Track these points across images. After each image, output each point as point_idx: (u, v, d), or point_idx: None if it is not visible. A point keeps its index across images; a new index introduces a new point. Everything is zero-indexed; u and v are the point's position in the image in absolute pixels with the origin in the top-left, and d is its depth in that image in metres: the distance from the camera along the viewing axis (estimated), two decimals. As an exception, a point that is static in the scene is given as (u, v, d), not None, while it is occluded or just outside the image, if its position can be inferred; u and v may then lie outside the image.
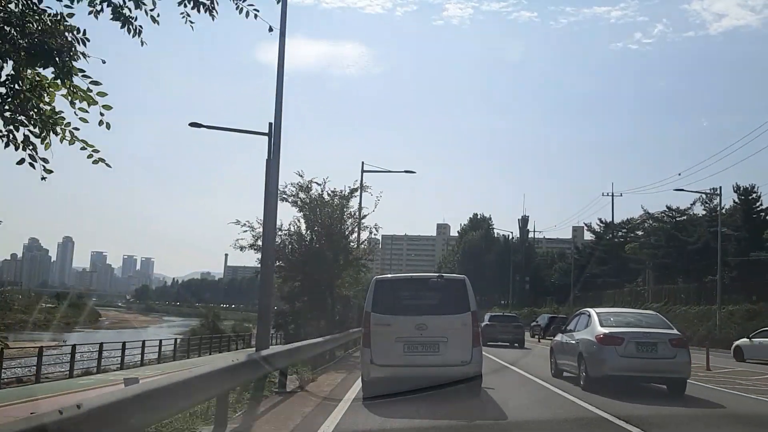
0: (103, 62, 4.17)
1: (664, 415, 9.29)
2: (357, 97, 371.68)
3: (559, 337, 14.61)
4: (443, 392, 9.28)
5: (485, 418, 8.57)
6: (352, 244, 22.50)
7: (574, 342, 12.81)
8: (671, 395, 11.21)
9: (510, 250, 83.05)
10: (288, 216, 26.67)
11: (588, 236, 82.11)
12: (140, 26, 4.35)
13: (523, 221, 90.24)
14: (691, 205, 53.27)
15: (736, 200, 45.82)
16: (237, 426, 7.41)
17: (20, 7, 3.82)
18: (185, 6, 4.61)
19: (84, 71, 4.06)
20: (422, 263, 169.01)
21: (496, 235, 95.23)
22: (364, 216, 22.69)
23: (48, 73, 4.05)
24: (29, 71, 4.03)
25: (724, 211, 42.38)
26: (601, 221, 67.16)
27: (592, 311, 13.01)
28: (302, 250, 20.88)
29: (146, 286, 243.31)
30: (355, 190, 21.70)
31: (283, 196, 20.60)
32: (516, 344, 29.05)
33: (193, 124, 14.79)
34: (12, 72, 3.93)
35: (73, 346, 20.16)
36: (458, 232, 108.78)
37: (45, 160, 4.22)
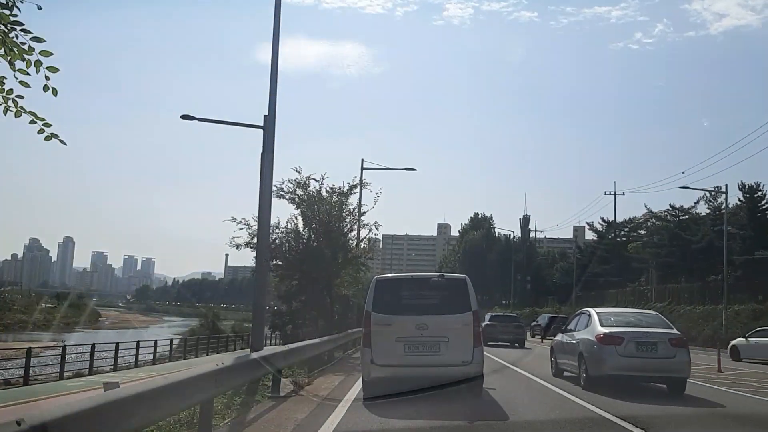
0: (39, 8, 3.56)
1: (664, 414, 9.26)
2: (357, 97, 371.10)
3: (559, 337, 14.59)
4: (444, 392, 9.21)
5: (487, 418, 8.49)
6: (351, 242, 21.96)
7: (574, 342, 12.79)
8: (671, 395, 11.19)
9: (511, 249, 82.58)
10: (285, 214, 26.15)
11: (589, 236, 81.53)
12: None
13: (525, 220, 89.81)
14: (695, 203, 52.79)
15: (741, 198, 45.26)
16: (222, 435, 6.92)
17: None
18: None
19: (23, 24, 3.49)
20: (423, 263, 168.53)
21: (497, 235, 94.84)
22: (364, 213, 22.08)
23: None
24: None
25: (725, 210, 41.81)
26: (603, 220, 66.68)
27: (593, 311, 12.99)
28: (300, 248, 20.33)
29: (147, 286, 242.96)
30: (355, 186, 21.12)
31: (281, 192, 20.12)
32: (516, 344, 28.97)
33: (185, 117, 14.28)
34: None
35: (64, 347, 19.59)
36: (459, 231, 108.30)
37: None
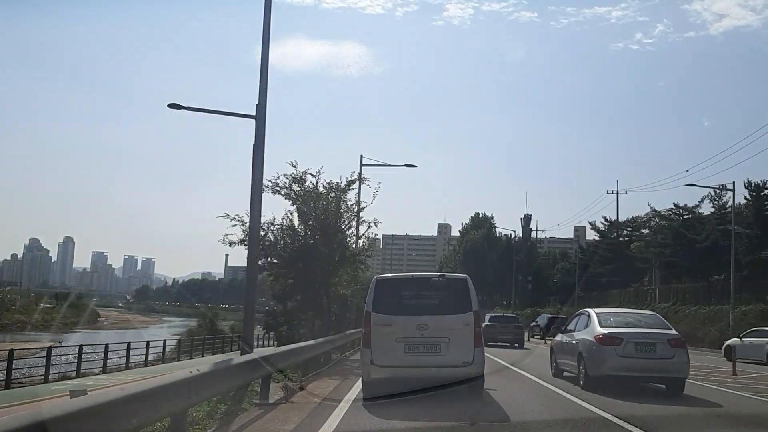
0: None
1: (663, 414, 9.25)
2: (357, 97, 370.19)
3: (559, 337, 14.66)
4: (445, 393, 9.16)
5: (488, 419, 8.40)
6: (349, 239, 21.22)
7: (574, 342, 12.86)
8: (670, 395, 11.24)
9: (512, 249, 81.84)
10: (281, 210, 25.29)
11: (590, 236, 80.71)
12: None
13: (526, 220, 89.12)
14: (699, 202, 51.97)
15: (747, 197, 44.40)
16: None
17: None
18: None
19: None
20: (423, 263, 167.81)
21: (498, 235, 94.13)
22: (362, 208, 21.25)
23: None
24: None
25: (732, 209, 41.04)
26: (606, 219, 65.86)
27: (592, 311, 13.06)
28: (295, 246, 19.55)
29: (147, 287, 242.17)
30: (353, 181, 20.29)
31: (276, 188, 19.39)
32: (516, 344, 29.18)
33: (172, 105, 13.52)
34: None
35: (49, 349, 18.82)
36: (459, 231, 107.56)
37: None
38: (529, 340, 37.40)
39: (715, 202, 49.32)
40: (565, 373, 13.58)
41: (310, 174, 19.55)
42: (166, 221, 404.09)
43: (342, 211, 19.99)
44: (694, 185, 38.87)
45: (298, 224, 19.84)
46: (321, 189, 19.57)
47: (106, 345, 22.07)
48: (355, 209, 20.78)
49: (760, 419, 9.51)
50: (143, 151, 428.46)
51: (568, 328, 14.00)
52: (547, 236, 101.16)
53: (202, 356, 30.79)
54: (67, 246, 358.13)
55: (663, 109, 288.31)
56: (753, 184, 43.36)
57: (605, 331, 11.72)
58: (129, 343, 24.28)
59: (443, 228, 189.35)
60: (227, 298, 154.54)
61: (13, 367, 16.71)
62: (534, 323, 44.94)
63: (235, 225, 18.50)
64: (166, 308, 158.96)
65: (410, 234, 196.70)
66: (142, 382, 5.17)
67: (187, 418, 6.06)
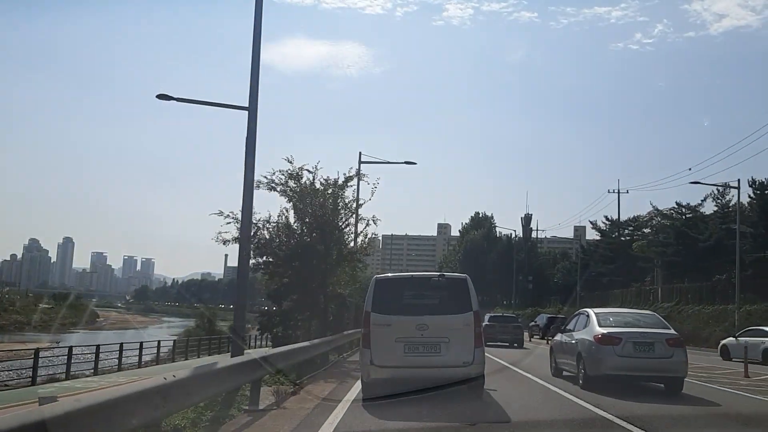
0: None
1: (662, 413, 9.22)
2: (357, 97, 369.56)
3: (558, 337, 14.71)
4: (445, 393, 9.10)
5: (488, 420, 8.27)
6: (347, 237, 20.64)
7: (573, 342, 12.90)
8: (668, 394, 11.27)
9: (513, 248, 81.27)
10: (277, 208, 24.69)
11: (590, 235, 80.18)
12: None
13: (526, 219, 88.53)
14: (702, 201, 51.37)
15: (751, 195, 43.80)
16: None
17: None
18: None
19: None
20: (423, 263, 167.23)
21: (498, 234, 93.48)
22: (361, 204, 20.61)
23: None
24: None
25: (737, 207, 40.46)
26: (607, 219, 65.27)
27: (591, 311, 13.10)
28: (291, 244, 18.96)
29: (146, 287, 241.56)
30: (351, 178, 19.65)
31: (272, 184, 18.81)
32: (515, 344, 29.21)
33: (161, 96, 12.97)
34: None
35: (36, 350, 18.19)
36: (459, 231, 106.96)
37: None
38: (530, 340, 36.96)
39: (718, 201, 48.79)
40: (564, 373, 13.63)
41: (307, 170, 18.99)
42: (165, 222, 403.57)
43: (339, 208, 19.38)
44: (699, 183, 38.32)
45: (294, 222, 19.27)
46: (318, 185, 18.99)
47: (97, 346, 21.43)
48: (353, 206, 20.15)
49: (760, 419, 9.47)
50: (143, 151, 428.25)
51: (568, 328, 14.07)
52: (548, 236, 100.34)
53: (198, 357, 30.22)
54: (67, 246, 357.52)
55: (663, 109, 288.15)
56: (757, 183, 42.76)
57: (604, 330, 11.78)
58: (121, 344, 23.67)
59: (443, 228, 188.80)
60: (227, 299, 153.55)
61: (0, 369, 16.10)
62: (533, 323, 44.62)
63: (230, 222, 17.97)
64: (166, 309, 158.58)
65: (410, 234, 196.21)
66: (104, 390, 4.60)
67: (160, 428, 5.48)
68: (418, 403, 8.63)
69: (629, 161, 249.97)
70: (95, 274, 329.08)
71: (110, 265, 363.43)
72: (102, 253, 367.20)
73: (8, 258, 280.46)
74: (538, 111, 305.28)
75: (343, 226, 19.88)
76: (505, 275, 76.88)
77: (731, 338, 25.40)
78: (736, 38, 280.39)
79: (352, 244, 21.98)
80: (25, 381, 17.21)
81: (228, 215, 17.82)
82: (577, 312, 14.39)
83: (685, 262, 47.58)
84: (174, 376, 5.34)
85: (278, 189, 18.73)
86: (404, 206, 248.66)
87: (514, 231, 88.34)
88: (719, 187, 45.53)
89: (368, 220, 21.39)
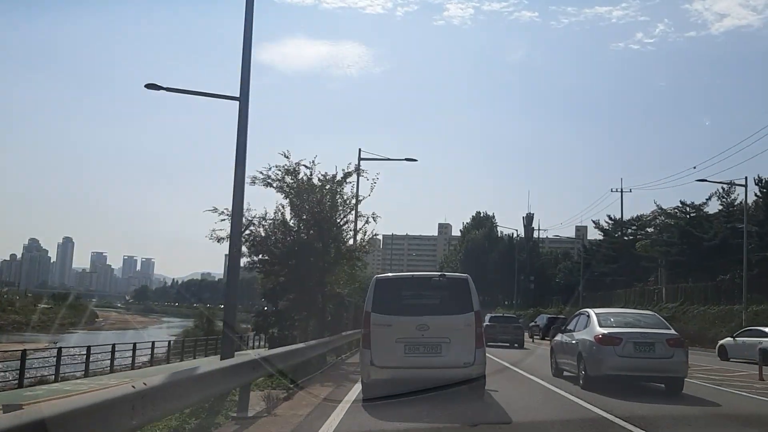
0: None
1: (663, 414, 9.21)
2: (357, 97, 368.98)
3: (559, 338, 14.72)
4: (446, 394, 9.08)
5: (489, 420, 8.24)
6: (346, 234, 20.01)
7: (573, 342, 12.90)
8: (669, 394, 11.29)
9: (514, 248, 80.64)
10: (273, 205, 24.05)
11: (593, 235, 79.53)
12: None
13: (528, 219, 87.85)
14: (707, 200, 50.72)
15: (758, 193, 43.18)
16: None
17: None
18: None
19: None
20: (424, 263, 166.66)
21: (499, 234, 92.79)
22: (360, 200, 19.95)
23: None
24: None
25: (744, 205, 39.84)
26: (610, 218, 64.64)
27: (591, 312, 13.12)
28: (287, 241, 18.34)
29: (146, 287, 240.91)
30: (350, 174, 18.99)
31: (268, 180, 18.17)
32: (516, 345, 29.30)
33: (149, 86, 12.39)
34: None
35: (23, 352, 17.57)
36: (460, 231, 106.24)
37: None
38: (533, 341, 36.50)
39: (723, 200, 48.15)
40: (565, 373, 13.65)
41: (304, 165, 18.35)
42: (165, 222, 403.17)
43: (338, 204, 18.74)
44: (706, 180, 37.72)
45: (291, 218, 18.64)
46: (315, 181, 18.36)
47: (89, 347, 20.81)
48: (352, 202, 19.51)
49: (760, 418, 9.44)
50: (143, 151, 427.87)
51: (568, 328, 14.06)
52: (549, 236, 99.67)
53: (194, 358, 29.62)
54: (67, 246, 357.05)
55: (664, 109, 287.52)
56: (764, 181, 42.12)
57: (605, 331, 11.80)
58: (114, 345, 23.05)
59: (444, 227, 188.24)
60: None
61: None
62: (533, 323, 44.27)
63: (224, 219, 17.29)
64: (165, 309, 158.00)
65: (411, 234, 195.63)
66: (64, 400, 4.00)
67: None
68: (418, 404, 8.58)
69: (630, 161, 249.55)
70: (95, 274, 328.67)
71: (110, 265, 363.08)
72: (102, 253, 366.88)
73: (8, 258, 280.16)
74: (538, 110, 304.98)
75: (341, 223, 19.25)
76: (507, 275, 76.21)
77: (729, 338, 25.28)
78: (737, 38, 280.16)
79: (351, 241, 21.39)
80: (12, 384, 16.61)
81: (222, 212, 17.17)
82: (577, 312, 14.39)
83: (690, 261, 47.00)
84: (144, 384, 4.73)
85: (274, 185, 18.10)
86: (405, 206, 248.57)
87: (516, 231, 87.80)
88: (725, 186, 44.91)
89: (368, 217, 20.76)
